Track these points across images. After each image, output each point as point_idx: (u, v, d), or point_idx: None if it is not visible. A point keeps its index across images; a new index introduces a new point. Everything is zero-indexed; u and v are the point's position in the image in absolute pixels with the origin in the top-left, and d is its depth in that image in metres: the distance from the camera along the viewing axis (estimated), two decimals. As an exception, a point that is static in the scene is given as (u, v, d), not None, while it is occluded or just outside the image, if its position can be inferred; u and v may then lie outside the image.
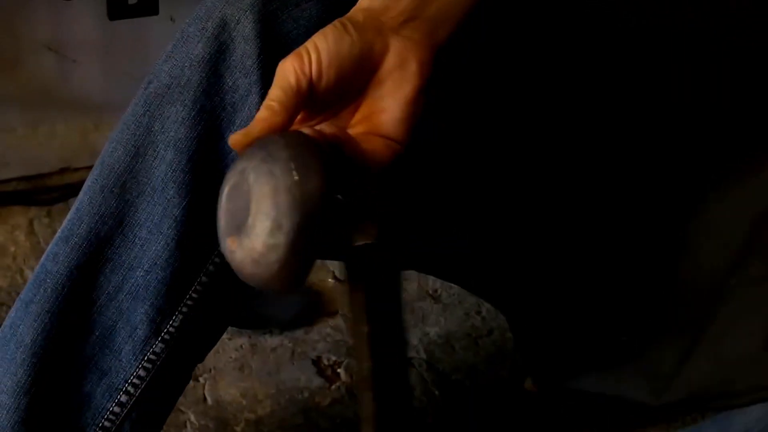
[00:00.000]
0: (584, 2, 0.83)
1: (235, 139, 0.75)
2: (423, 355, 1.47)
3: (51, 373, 0.93)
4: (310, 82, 0.77)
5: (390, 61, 0.80)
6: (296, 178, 0.69)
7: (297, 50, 0.78)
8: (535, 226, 0.95)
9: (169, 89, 0.88)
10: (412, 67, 0.80)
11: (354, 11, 0.81)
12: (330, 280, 1.57)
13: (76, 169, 1.70)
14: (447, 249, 0.99)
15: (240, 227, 0.72)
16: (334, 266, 1.59)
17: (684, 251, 0.87)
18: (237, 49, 0.88)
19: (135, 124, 0.90)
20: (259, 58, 0.87)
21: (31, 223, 1.66)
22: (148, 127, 0.89)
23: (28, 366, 0.92)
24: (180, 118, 0.88)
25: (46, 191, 1.69)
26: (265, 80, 0.87)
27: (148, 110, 0.89)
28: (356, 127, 0.80)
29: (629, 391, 0.89)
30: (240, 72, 0.87)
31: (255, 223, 0.71)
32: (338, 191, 0.75)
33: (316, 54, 0.77)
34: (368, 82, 0.81)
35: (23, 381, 0.92)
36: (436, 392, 1.41)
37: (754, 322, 0.81)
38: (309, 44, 0.78)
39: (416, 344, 1.48)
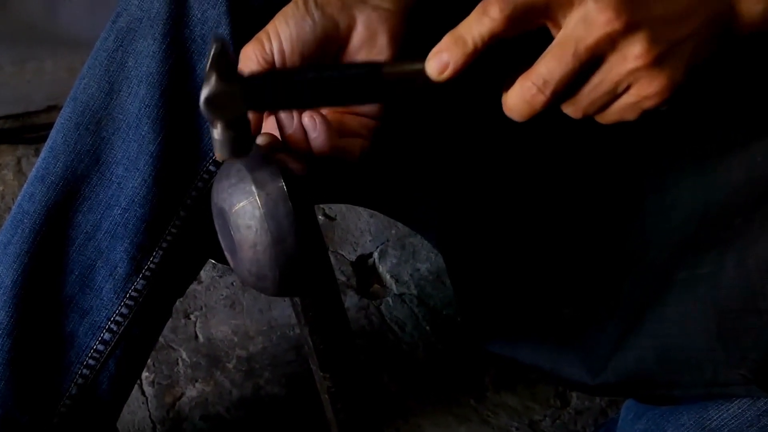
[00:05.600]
0: None
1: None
2: (414, 291, 1.47)
3: (33, 314, 0.93)
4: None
5: (358, 35, 0.77)
6: (271, 238, 0.71)
7: (258, 35, 0.76)
8: (490, 186, 0.93)
9: (141, 23, 0.86)
10: (383, 40, 0.77)
11: None
12: (320, 217, 1.57)
13: (65, 107, 1.69)
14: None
15: (233, 254, 0.75)
16: (324, 204, 1.59)
17: (635, 230, 0.85)
18: None
19: (108, 60, 0.88)
20: None
21: (19, 161, 1.65)
22: (122, 63, 0.87)
23: (9, 308, 0.92)
24: (151, 52, 0.86)
25: (33, 129, 1.68)
26: (234, 12, 0.85)
27: (120, 45, 0.87)
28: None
29: (564, 368, 0.87)
30: (208, 3, 0.85)
31: (241, 267, 0.74)
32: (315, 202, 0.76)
33: (278, 41, 0.75)
34: (338, 60, 0.78)
35: (5, 323, 0.92)
36: (427, 327, 1.41)
37: (707, 315, 0.78)
38: (270, 29, 0.76)
39: (407, 280, 1.48)
